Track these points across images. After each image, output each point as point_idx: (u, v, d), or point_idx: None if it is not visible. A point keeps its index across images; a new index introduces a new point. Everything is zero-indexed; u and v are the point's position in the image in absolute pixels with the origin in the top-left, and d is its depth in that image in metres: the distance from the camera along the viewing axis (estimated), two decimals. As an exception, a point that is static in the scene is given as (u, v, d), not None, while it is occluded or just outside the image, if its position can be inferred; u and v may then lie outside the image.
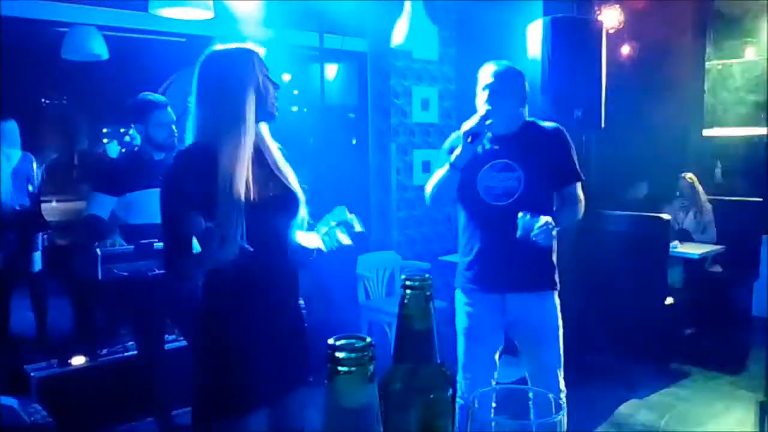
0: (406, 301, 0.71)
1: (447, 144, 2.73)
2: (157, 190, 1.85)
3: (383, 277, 4.87)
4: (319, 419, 0.53)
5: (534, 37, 3.71)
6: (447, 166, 2.57)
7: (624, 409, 3.88)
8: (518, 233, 2.39)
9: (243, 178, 1.78)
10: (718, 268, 5.66)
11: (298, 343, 2.01)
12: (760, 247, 5.77)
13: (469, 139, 2.48)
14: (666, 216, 4.95)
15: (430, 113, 5.23)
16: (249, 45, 1.94)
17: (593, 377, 4.16)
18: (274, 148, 2.01)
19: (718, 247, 5.42)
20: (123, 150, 5.28)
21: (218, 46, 1.92)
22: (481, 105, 2.59)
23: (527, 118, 2.70)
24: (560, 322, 2.70)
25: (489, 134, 2.56)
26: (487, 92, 2.59)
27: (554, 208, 2.66)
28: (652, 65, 5.82)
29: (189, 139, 1.89)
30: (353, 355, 0.51)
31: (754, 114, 6.59)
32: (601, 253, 4.70)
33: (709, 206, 5.71)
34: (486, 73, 2.63)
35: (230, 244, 1.70)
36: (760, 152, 6.24)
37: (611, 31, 5.13)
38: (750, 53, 6.96)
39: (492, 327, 2.67)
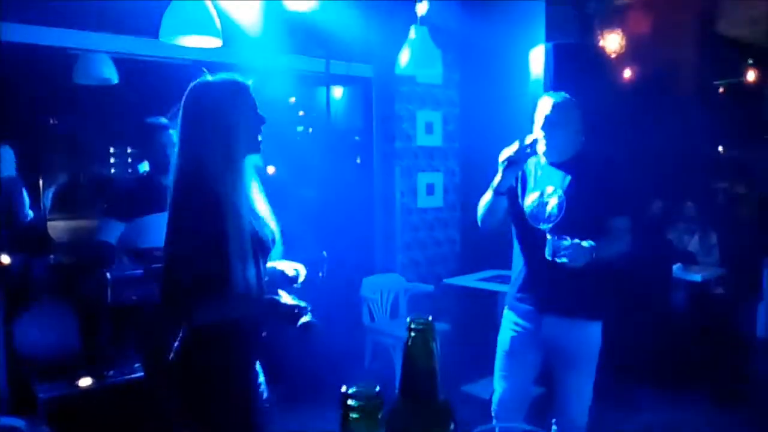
0: (411, 342, 0.76)
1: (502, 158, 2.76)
2: (166, 213, 1.83)
3: (387, 299, 4.90)
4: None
5: (536, 62, 3.78)
6: (490, 193, 2.66)
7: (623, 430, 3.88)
8: (546, 253, 2.47)
9: (246, 213, 1.80)
10: (720, 290, 5.68)
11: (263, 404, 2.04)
12: (763, 269, 5.78)
13: (506, 165, 2.57)
14: (669, 238, 4.99)
15: (434, 137, 5.29)
16: (237, 77, 1.92)
17: (595, 398, 4.16)
18: (254, 183, 1.99)
19: (720, 269, 5.44)
20: (131, 172, 5.34)
21: (207, 78, 1.91)
22: (536, 134, 2.66)
23: (582, 147, 2.76)
24: (596, 355, 2.72)
25: (543, 161, 2.68)
26: (542, 122, 2.67)
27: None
28: (655, 88, 5.88)
29: (172, 170, 1.86)
30: (364, 403, 0.56)
31: (755, 134, 6.66)
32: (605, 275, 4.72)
33: (711, 230, 5.75)
34: (544, 104, 2.70)
35: (249, 286, 1.73)
36: (763, 173, 6.30)
37: (614, 55, 5.21)
38: (752, 75, 7.04)
39: (529, 348, 2.74)
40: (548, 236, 2.48)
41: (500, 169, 2.61)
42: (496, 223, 2.76)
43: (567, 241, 2.43)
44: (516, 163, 2.57)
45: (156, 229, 2.91)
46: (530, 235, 2.66)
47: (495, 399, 2.84)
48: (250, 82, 1.92)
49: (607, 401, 4.21)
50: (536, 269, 2.68)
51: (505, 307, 2.86)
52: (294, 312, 1.80)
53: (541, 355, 2.77)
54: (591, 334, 2.69)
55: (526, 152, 2.56)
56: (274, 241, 1.98)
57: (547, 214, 2.64)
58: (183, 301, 1.75)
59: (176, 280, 1.75)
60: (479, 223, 2.81)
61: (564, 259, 2.43)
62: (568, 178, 2.65)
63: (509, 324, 2.80)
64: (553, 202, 2.64)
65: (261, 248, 1.90)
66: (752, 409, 4.25)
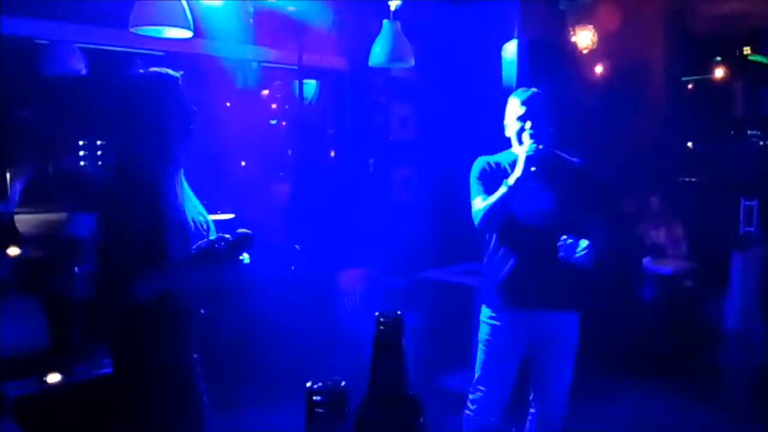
0: (379, 337, 0.76)
1: (476, 172, 2.79)
2: None
3: (362, 293, 4.89)
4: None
5: (509, 57, 3.79)
6: (504, 189, 2.62)
7: (595, 424, 3.93)
8: (561, 255, 2.59)
9: (180, 202, 1.84)
10: (689, 284, 5.77)
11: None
12: (731, 261, 5.88)
13: (533, 168, 2.57)
14: (638, 232, 5.06)
15: (408, 130, 5.29)
16: (166, 70, 1.93)
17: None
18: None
19: (689, 262, 5.53)
20: (100, 165, 5.25)
21: (137, 71, 1.92)
22: (523, 134, 2.68)
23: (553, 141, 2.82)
24: (576, 345, 2.85)
25: (523, 157, 2.66)
26: (527, 119, 2.68)
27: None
28: (626, 84, 5.95)
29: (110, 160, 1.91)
30: (329, 398, 0.56)
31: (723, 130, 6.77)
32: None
33: (678, 223, 5.83)
34: (519, 102, 2.74)
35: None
36: (730, 168, 6.40)
37: (585, 51, 5.25)
38: (720, 71, 7.16)
39: (514, 344, 2.80)
40: (563, 237, 2.59)
41: (521, 166, 2.59)
42: (500, 223, 2.73)
43: (582, 244, 2.57)
44: (533, 160, 2.58)
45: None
46: (521, 232, 2.71)
47: (478, 398, 2.82)
48: (179, 74, 1.93)
49: (578, 393, 4.28)
50: (528, 266, 2.72)
51: (483, 305, 2.85)
52: (225, 237, 1.82)
53: (523, 350, 2.81)
54: (574, 326, 2.82)
55: (539, 148, 2.59)
56: (208, 228, 2.01)
57: (538, 212, 2.68)
58: (119, 285, 1.77)
59: (113, 271, 1.79)
60: (482, 224, 2.73)
61: (582, 260, 2.57)
62: (555, 175, 2.70)
63: (491, 321, 2.80)
64: (543, 199, 2.68)
65: (197, 235, 1.93)
66: (720, 400, 4.33)
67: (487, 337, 2.81)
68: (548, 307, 2.74)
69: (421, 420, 0.78)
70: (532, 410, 2.94)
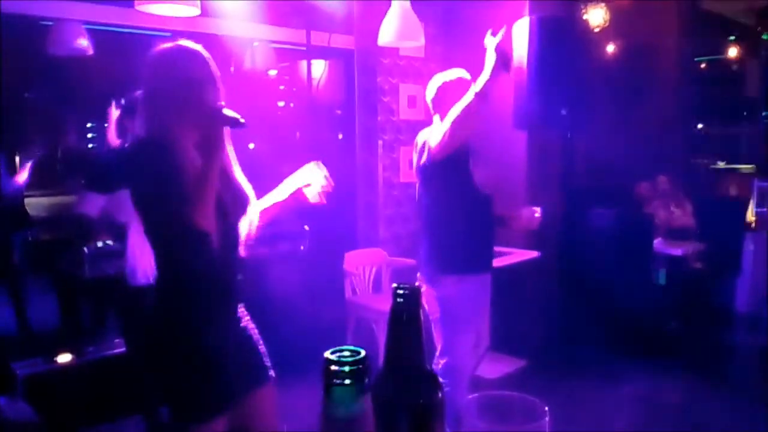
0: (396, 308, 0.73)
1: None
2: None
3: (370, 273, 4.89)
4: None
5: (519, 36, 3.73)
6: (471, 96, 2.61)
7: (606, 403, 3.93)
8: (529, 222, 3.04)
9: (215, 175, 1.79)
10: (699, 265, 5.73)
11: (254, 343, 2.05)
12: (743, 243, 5.84)
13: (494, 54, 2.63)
14: (649, 213, 5.02)
15: (416, 110, 5.24)
16: (189, 43, 1.90)
17: (576, 371, 4.21)
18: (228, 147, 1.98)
19: (700, 244, 5.49)
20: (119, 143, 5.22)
21: (166, 45, 1.89)
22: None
23: None
24: None
25: None
26: None
27: None
28: (638, 63, 5.88)
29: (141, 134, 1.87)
30: (348, 368, 0.53)
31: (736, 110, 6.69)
32: (586, 249, 4.75)
33: (688, 204, 5.78)
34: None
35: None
36: (742, 148, 6.34)
37: (597, 29, 5.18)
38: (734, 51, 7.06)
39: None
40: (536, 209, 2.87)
41: (490, 62, 2.62)
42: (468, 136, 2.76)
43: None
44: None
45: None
46: (480, 199, 2.88)
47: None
48: (200, 47, 1.91)
49: (589, 373, 4.28)
50: (488, 232, 2.98)
51: (464, 273, 2.90)
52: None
53: None
54: None
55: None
56: (245, 203, 1.98)
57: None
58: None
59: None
60: (452, 134, 2.68)
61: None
62: None
63: (479, 286, 2.94)
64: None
65: (235, 209, 1.92)
66: (731, 381, 4.31)
67: (483, 299, 3.02)
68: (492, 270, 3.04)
69: (440, 395, 0.75)
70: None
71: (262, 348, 2.06)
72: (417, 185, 3.04)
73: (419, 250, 3.02)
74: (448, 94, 2.88)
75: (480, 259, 2.96)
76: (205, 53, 1.90)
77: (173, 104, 1.82)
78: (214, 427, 1.85)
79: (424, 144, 2.90)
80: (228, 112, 1.79)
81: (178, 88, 1.83)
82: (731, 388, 4.18)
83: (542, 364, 4.44)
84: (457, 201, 2.86)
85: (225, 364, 1.88)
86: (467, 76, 2.94)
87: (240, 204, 1.96)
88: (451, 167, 2.80)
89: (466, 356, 2.94)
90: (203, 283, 1.86)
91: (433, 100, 2.99)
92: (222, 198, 1.85)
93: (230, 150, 1.97)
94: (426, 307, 2.84)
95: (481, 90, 2.58)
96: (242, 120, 1.80)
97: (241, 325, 2.02)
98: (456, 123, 2.63)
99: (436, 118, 2.98)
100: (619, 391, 4.07)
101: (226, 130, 1.89)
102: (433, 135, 2.79)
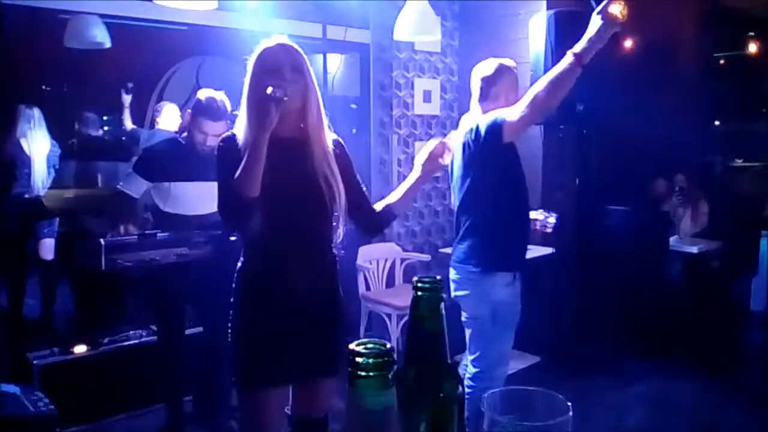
0: (417, 302, 0.73)
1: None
2: (195, 183, 2.50)
3: (383, 268, 4.89)
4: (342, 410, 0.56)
5: (537, 30, 3.71)
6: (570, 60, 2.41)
7: (619, 401, 3.90)
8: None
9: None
10: (715, 263, 5.68)
11: (332, 332, 2.07)
12: (759, 242, 5.78)
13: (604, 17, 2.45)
14: (665, 210, 4.98)
15: (432, 105, 5.23)
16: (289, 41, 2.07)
17: (590, 368, 4.19)
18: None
19: (716, 242, 5.44)
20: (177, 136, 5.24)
21: (268, 42, 2.07)
22: None
23: None
24: None
25: None
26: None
27: None
28: (656, 59, 5.82)
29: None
30: (373, 360, 0.53)
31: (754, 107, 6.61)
32: (601, 246, 4.72)
33: (705, 202, 5.72)
34: None
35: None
36: (760, 145, 6.27)
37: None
38: (753, 47, 6.97)
39: None
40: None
41: (598, 24, 2.42)
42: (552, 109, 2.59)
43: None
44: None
45: (182, 196, 3.01)
46: (525, 195, 2.79)
47: (504, 374, 2.78)
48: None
49: (602, 372, 4.25)
50: (527, 230, 2.86)
51: (495, 272, 2.70)
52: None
53: None
54: None
55: None
56: (322, 202, 2.09)
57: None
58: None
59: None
60: (542, 103, 2.47)
61: None
62: None
63: (508, 289, 2.72)
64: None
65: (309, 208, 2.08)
66: (745, 381, 4.28)
67: (513, 306, 2.81)
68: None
69: (460, 389, 0.75)
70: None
71: (338, 341, 2.07)
72: (457, 178, 2.81)
73: (458, 245, 2.79)
74: (504, 75, 2.79)
75: (524, 256, 2.84)
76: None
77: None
78: (260, 402, 1.95)
79: (471, 131, 2.68)
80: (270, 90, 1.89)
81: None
82: (745, 387, 4.15)
83: (556, 360, 4.43)
84: (515, 191, 2.74)
85: (283, 345, 1.95)
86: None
87: (314, 197, 2.06)
88: (512, 154, 2.67)
89: (505, 365, 2.79)
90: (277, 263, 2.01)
91: (485, 80, 2.81)
92: (284, 182, 1.95)
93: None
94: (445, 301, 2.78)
95: (581, 51, 2.40)
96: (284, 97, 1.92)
97: (322, 309, 2.07)
98: (547, 89, 2.42)
99: (475, 104, 2.85)
100: (632, 390, 4.04)
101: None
102: (508, 112, 2.55)
